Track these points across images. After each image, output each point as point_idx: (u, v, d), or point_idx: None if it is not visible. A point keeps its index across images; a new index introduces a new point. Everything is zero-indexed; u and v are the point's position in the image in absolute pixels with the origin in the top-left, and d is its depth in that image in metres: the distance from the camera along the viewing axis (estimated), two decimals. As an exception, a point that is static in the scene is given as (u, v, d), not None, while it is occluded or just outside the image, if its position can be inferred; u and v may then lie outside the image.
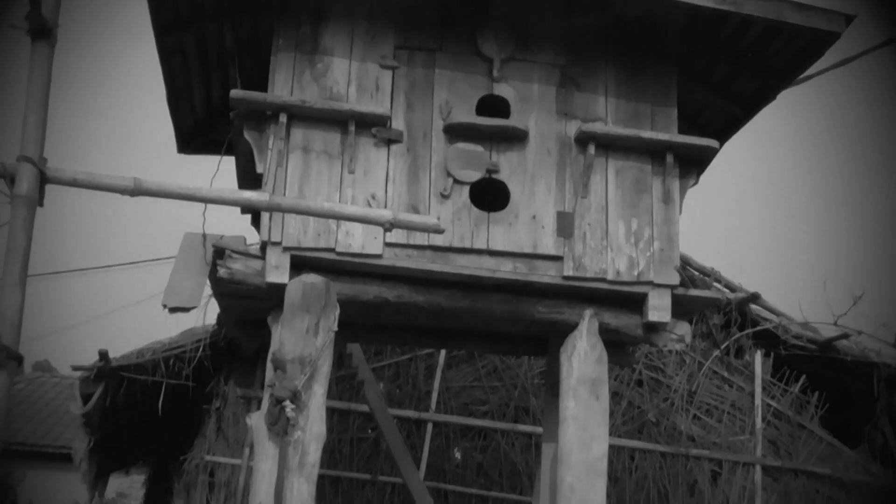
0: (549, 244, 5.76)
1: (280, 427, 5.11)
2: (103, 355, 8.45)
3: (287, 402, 5.09)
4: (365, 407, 9.14)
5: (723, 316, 10.68)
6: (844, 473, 10.46)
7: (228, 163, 6.61)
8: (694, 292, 6.20)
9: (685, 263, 10.10)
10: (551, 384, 6.43)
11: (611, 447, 5.87)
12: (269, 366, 5.32)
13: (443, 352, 9.97)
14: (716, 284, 10.62)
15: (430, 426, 9.77)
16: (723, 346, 10.62)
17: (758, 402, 10.57)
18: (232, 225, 6.22)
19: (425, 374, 9.97)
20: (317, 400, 5.28)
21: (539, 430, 9.38)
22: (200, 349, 8.75)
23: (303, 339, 5.31)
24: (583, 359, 5.80)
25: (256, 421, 5.31)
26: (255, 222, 6.07)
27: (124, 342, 8.71)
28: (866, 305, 11.00)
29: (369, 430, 9.63)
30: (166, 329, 9.03)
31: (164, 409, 8.92)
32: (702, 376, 10.58)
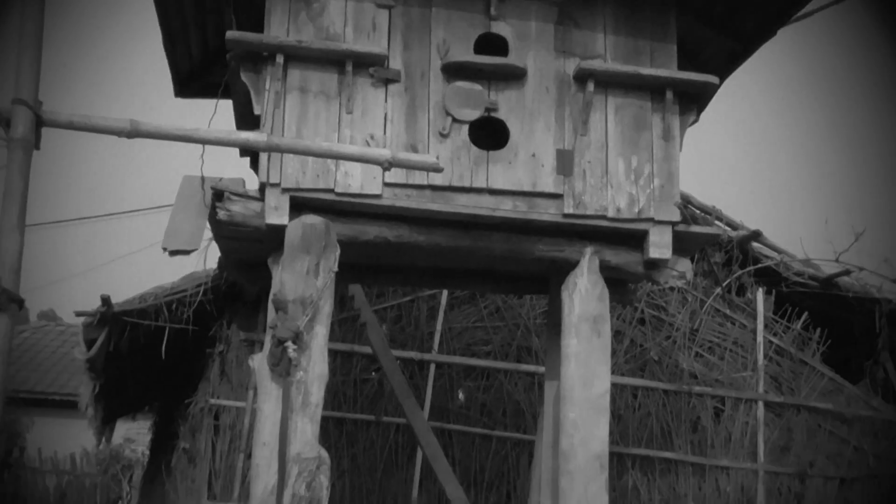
0: (548, 182, 5.74)
1: (282, 368, 5.12)
2: (106, 301, 8.45)
3: (289, 343, 5.11)
4: (368, 349, 9.17)
5: (724, 254, 10.69)
6: (846, 408, 10.53)
7: (226, 107, 6.58)
8: (695, 229, 6.18)
9: (686, 202, 10.08)
10: (553, 323, 6.45)
11: (613, 385, 5.89)
12: (270, 307, 5.33)
13: (445, 293, 9.99)
14: (717, 222, 10.61)
15: (432, 367, 9.81)
16: (724, 284, 10.64)
17: (760, 339, 10.61)
18: (230, 169, 6.20)
19: (427, 315, 9.98)
20: (319, 340, 5.30)
21: (541, 369, 9.40)
22: (202, 293, 8.76)
23: (303, 280, 5.31)
24: (584, 296, 5.81)
25: (259, 362, 5.33)
26: (254, 165, 6.05)
27: (127, 289, 8.73)
28: (867, 242, 10.98)
29: (372, 372, 9.67)
30: (168, 276, 9.08)
31: (167, 353, 8.93)
32: (704, 314, 10.61)
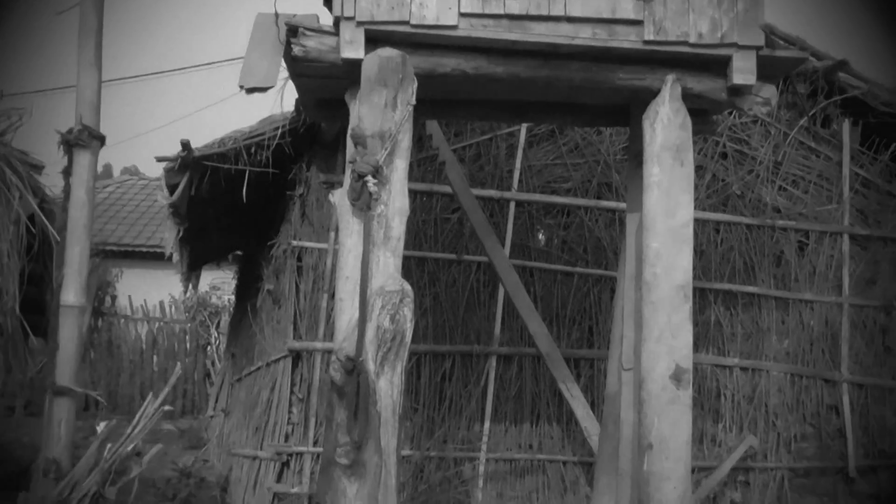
0: (628, 8, 5.58)
1: (363, 202, 5.11)
2: (185, 146, 8.48)
3: (369, 177, 5.08)
4: (447, 188, 9.15)
5: (809, 85, 10.42)
6: (935, 237, 10.39)
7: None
8: (780, 53, 5.98)
9: (770, 32, 9.77)
10: (634, 154, 6.36)
11: (695, 220, 5.81)
12: (349, 142, 5.30)
13: (523, 130, 9.89)
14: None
15: (512, 205, 9.77)
16: (809, 115, 10.40)
17: (845, 171, 10.43)
18: (305, 7, 6.11)
19: (506, 153, 9.91)
20: (398, 174, 5.27)
21: (622, 205, 9.35)
22: (280, 135, 8.75)
23: (381, 113, 5.26)
24: (666, 124, 5.69)
25: (339, 197, 5.32)
26: (328, 3, 5.96)
27: (207, 141, 8.80)
28: (960, 69, 10.63)
29: (452, 211, 9.68)
30: (246, 125, 9.12)
31: (248, 197, 8.99)
32: (787, 147, 10.42)
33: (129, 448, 5.21)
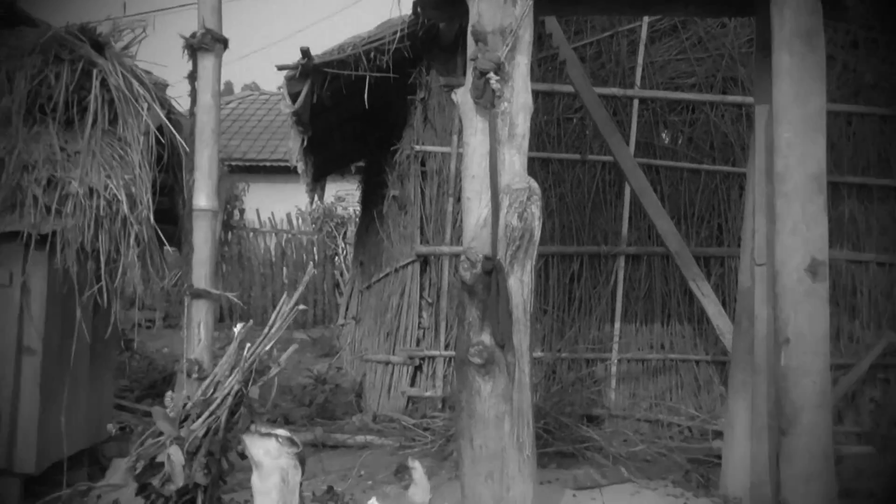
0: None
1: (486, 99, 5.05)
2: (305, 53, 8.49)
3: (491, 74, 5.02)
4: (569, 87, 9.02)
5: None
6: None
7: None
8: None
9: None
10: (762, 44, 6.18)
11: (826, 112, 5.61)
12: (469, 40, 5.23)
13: (644, 25, 9.67)
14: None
15: (636, 103, 9.60)
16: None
17: None
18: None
19: (628, 49, 9.71)
20: (521, 70, 5.19)
21: (749, 99, 9.11)
22: (399, 39, 8.69)
23: (501, 9, 5.18)
24: (795, 9, 5.49)
25: (462, 96, 5.27)
26: None
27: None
28: None
29: (575, 111, 9.55)
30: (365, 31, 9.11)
31: (370, 103, 8.99)
32: (923, 32, 10.00)
33: (267, 348, 5.31)
